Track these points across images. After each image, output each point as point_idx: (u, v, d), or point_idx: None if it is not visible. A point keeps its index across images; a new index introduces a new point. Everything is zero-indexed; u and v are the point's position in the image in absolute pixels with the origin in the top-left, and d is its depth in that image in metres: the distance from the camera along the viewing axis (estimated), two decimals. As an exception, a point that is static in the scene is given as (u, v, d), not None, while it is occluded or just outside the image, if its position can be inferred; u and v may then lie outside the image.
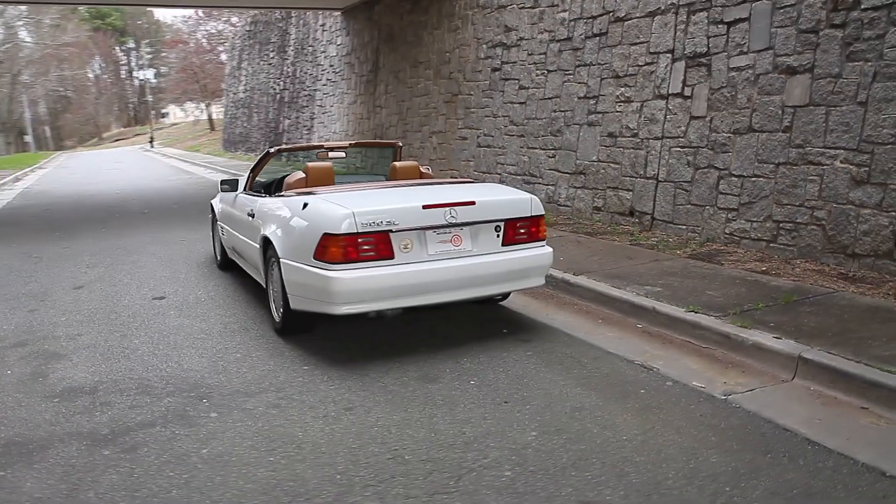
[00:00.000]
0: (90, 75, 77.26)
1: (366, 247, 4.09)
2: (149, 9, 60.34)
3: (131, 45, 79.73)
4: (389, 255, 4.15)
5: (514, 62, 10.10)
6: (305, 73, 20.06)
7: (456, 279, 4.30)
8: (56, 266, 7.62)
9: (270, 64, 23.85)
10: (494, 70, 10.59)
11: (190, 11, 47.20)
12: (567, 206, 8.93)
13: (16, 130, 65.91)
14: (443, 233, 4.30)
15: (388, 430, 3.36)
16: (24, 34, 58.71)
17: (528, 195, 4.64)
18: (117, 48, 78.15)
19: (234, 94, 29.79)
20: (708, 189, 6.80)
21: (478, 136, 11.10)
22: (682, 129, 7.12)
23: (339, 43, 17.35)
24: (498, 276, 4.45)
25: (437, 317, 5.04)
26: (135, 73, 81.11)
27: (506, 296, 5.20)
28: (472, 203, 4.38)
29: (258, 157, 6.33)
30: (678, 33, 7.19)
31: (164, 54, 70.11)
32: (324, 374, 4.09)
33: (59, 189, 18.37)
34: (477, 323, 5.01)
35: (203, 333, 4.97)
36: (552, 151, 9.29)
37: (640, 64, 7.72)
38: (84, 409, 3.74)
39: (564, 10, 8.94)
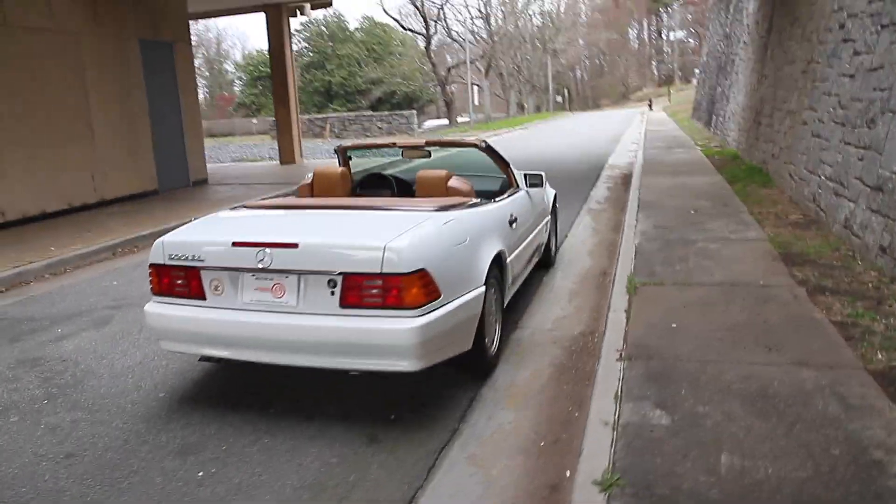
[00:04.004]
0: (624, 37, 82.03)
1: (179, 281, 3.58)
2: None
3: (664, 5, 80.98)
4: (201, 295, 3.55)
5: (856, 14, 6.89)
6: (734, 33, 17.40)
7: (271, 339, 3.40)
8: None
9: (720, 23, 21.41)
10: (840, 26, 7.42)
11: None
12: (858, 237, 5.85)
13: (552, 92, 74.82)
14: (262, 278, 3.43)
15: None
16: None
17: (383, 243, 3.25)
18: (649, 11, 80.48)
19: (702, 57, 27.81)
20: None
21: (814, 121, 8.04)
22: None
23: (757, -5, 14.46)
24: (328, 346, 3.33)
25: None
26: (664, 35, 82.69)
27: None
28: (295, 246, 3.34)
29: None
30: None
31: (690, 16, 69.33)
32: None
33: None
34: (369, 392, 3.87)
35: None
36: (861, 151, 6.14)
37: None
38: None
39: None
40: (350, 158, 5.66)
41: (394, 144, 5.33)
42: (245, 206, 4.22)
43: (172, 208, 11.04)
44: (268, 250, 3.35)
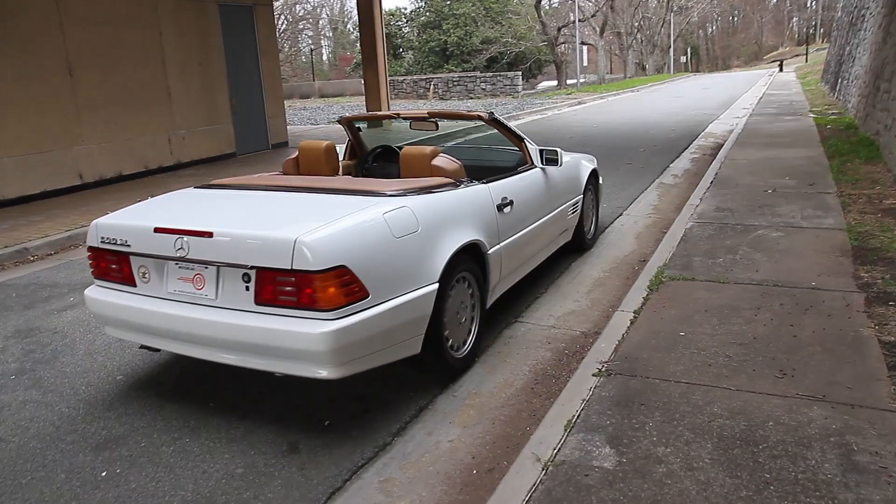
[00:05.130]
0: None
1: (113, 266, 3.38)
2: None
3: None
4: (132, 282, 3.32)
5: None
6: (866, -17, 15.29)
7: (191, 333, 3.12)
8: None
9: (856, -28, 18.94)
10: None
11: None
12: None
13: (676, 52, 70.53)
14: (185, 268, 3.14)
15: None
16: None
17: (294, 235, 2.83)
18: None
19: (837, 12, 24.94)
20: None
21: (928, 87, 6.79)
22: None
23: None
24: (243, 345, 3.00)
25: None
26: (804, -12, 75.61)
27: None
28: (209, 235, 3.00)
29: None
30: None
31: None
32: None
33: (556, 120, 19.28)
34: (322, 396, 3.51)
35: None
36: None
37: None
38: None
39: None
40: (360, 130, 5.28)
41: (397, 115, 4.89)
42: (209, 185, 3.95)
43: (244, 171, 11.15)
44: (185, 238, 3.05)
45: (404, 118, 4.87)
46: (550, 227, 4.85)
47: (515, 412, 3.29)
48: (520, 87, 32.04)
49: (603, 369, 3.30)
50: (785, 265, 4.69)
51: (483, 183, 3.99)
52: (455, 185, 3.80)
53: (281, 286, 2.88)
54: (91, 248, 3.45)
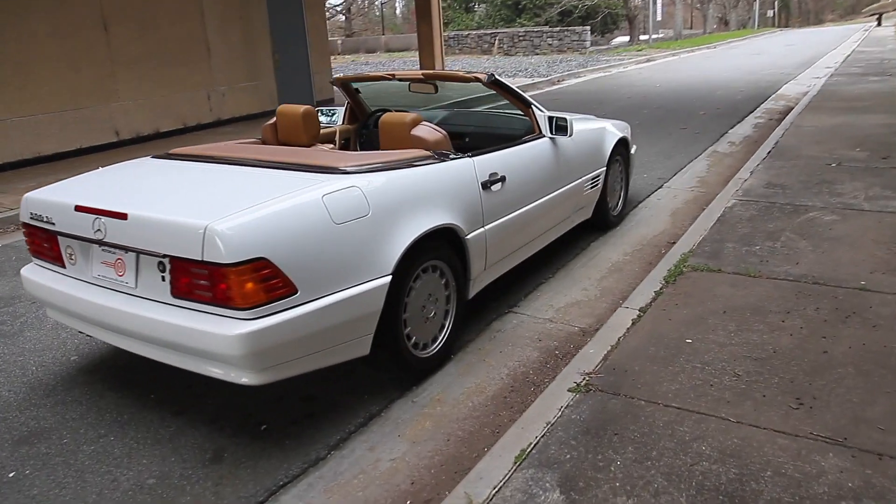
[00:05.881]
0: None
1: (45, 244, 3.07)
2: None
3: None
4: (61, 262, 3.01)
5: None
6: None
7: (112, 323, 2.79)
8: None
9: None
10: None
11: None
12: None
13: (763, 6, 66.18)
14: (108, 251, 2.79)
15: None
16: None
17: (206, 222, 2.39)
18: None
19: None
20: None
21: None
22: None
23: None
24: (159, 341, 2.65)
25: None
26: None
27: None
28: (124, 216, 2.63)
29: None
30: None
31: None
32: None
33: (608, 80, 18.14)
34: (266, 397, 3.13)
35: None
36: None
37: None
38: None
39: None
40: (358, 91, 4.82)
41: (392, 76, 4.39)
42: (168, 155, 3.58)
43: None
44: (103, 219, 2.70)
45: (400, 80, 4.37)
46: (561, 205, 4.31)
47: (477, 427, 2.84)
48: (588, 43, 30.62)
49: (582, 383, 2.81)
50: (833, 257, 4.01)
51: (468, 156, 3.48)
52: (435, 159, 3.31)
53: (196, 279, 2.49)
54: (23, 224, 3.15)
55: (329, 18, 48.44)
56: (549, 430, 2.51)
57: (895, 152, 6.51)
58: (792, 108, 9.99)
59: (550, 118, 4.16)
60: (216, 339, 2.44)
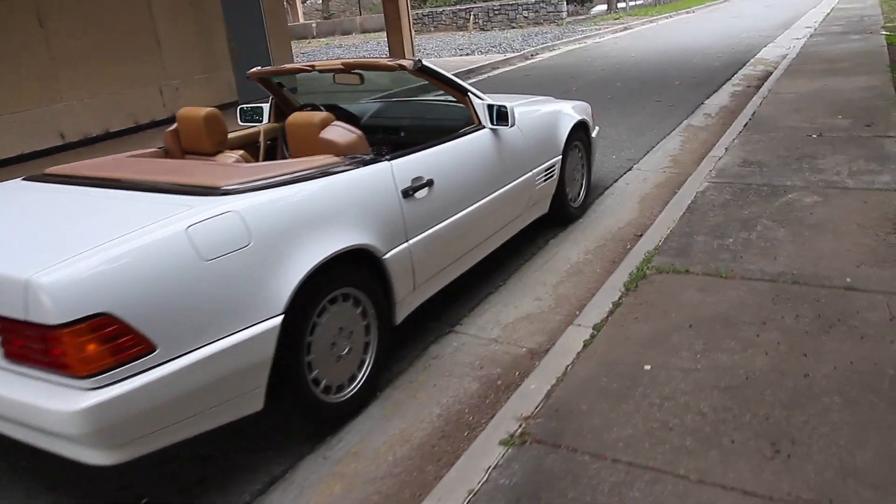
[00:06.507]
0: None
1: None
2: None
3: None
4: None
5: None
6: None
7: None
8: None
9: None
10: None
11: None
12: None
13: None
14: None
15: None
16: None
17: (27, 275, 1.90)
18: None
19: None
20: None
21: None
22: None
23: None
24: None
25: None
26: None
27: None
28: (-54, 259, 2.15)
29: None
30: None
31: None
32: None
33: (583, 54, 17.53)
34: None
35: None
36: None
37: None
38: None
39: None
40: (282, 87, 4.31)
41: (312, 68, 3.89)
42: (43, 176, 3.05)
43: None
44: None
45: (320, 71, 3.86)
46: (508, 205, 3.83)
47: (396, 489, 2.38)
48: (564, 14, 29.86)
49: (517, 433, 2.35)
50: (814, 248, 3.56)
51: (385, 160, 2.99)
52: (345, 166, 2.82)
53: (29, 341, 2.01)
54: None
55: (305, 1, 47.30)
56: (474, 497, 2.06)
57: (879, 118, 6.04)
58: (771, 73, 9.50)
59: (490, 106, 3.66)
60: (50, 416, 1.97)
